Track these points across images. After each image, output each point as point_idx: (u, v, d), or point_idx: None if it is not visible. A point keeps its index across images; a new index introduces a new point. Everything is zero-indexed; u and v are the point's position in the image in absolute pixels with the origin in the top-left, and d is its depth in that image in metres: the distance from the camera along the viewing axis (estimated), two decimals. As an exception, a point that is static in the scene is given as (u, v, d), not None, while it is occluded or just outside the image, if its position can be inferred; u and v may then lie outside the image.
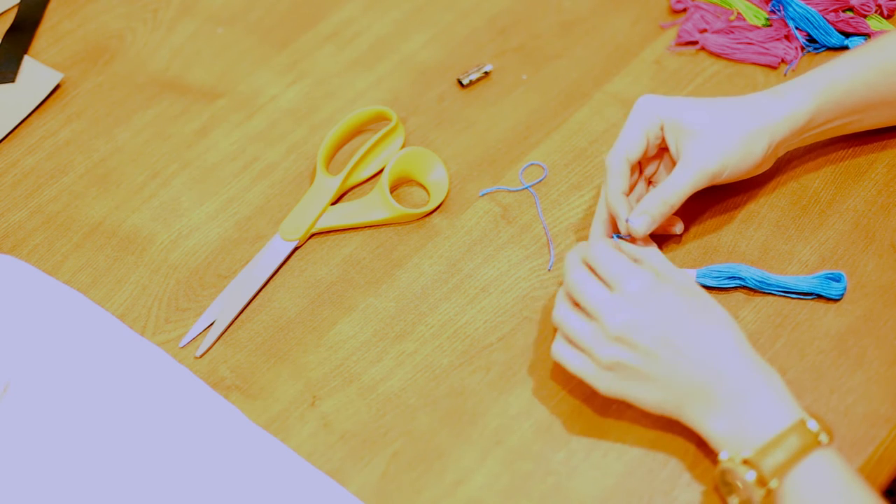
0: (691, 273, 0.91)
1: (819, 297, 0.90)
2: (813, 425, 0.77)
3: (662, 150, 0.94)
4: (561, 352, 0.85)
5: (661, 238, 0.94)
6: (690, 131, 0.89)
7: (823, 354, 0.87)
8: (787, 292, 0.90)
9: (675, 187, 0.89)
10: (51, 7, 1.18)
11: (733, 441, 0.79)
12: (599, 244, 0.86)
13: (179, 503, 0.84)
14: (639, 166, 0.93)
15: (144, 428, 0.88)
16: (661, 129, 0.91)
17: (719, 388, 0.79)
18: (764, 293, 0.90)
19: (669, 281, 0.84)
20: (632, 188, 0.93)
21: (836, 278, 0.90)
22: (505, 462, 0.85)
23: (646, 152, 0.91)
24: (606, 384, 0.83)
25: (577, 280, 0.85)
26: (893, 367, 0.86)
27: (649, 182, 0.95)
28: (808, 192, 0.96)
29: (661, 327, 0.81)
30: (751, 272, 0.90)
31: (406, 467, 0.85)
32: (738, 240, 0.94)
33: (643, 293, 0.82)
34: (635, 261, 0.86)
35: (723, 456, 0.78)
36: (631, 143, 0.90)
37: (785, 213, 0.95)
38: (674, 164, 0.91)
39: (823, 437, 0.77)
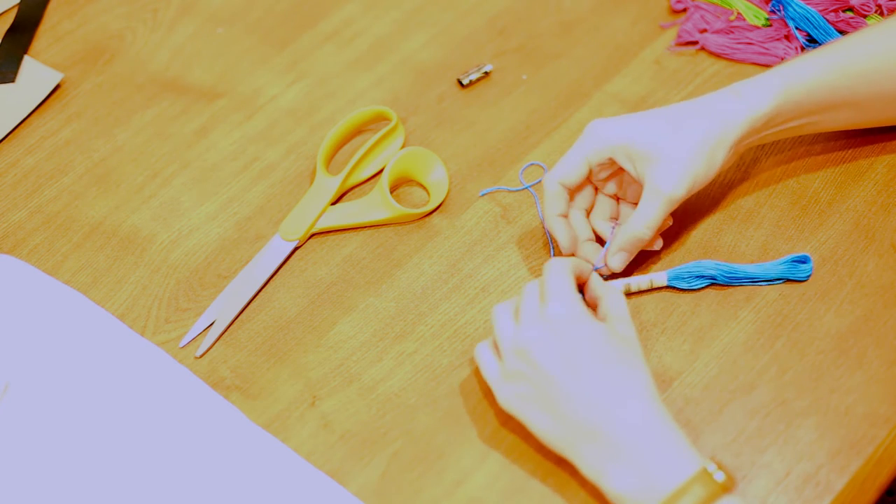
0: (662, 276, 0.90)
1: (788, 280, 0.90)
2: (716, 474, 0.75)
3: (619, 170, 0.91)
4: (480, 351, 0.85)
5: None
6: (647, 155, 0.86)
7: (823, 354, 0.87)
8: (757, 281, 0.90)
9: (647, 220, 0.87)
10: (51, 7, 1.18)
11: (637, 495, 0.76)
12: (556, 260, 0.85)
13: (180, 503, 0.84)
14: (594, 186, 0.92)
15: (144, 428, 0.88)
16: (611, 157, 0.88)
17: (619, 434, 0.77)
18: (735, 287, 0.91)
19: (609, 324, 0.83)
20: (591, 207, 0.92)
21: (803, 260, 0.90)
22: (505, 462, 0.85)
23: (588, 178, 0.90)
24: (505, 396, 0.82)
25: (525, 287, 0.84)
26: (893, 367, 0.86)
27: (618, 199, 0.93)
28: (808, 192, 0.96)
29: (566, 354, 0.80)
30: (719, 268, 0.90)
31: (406, 467, 0.85)
32: (738, 240, 0.94)
33: (563, 318, 0.81)
34: (596, 298, 0.86)
35: None
36: (568, 170, 0.89)
37: (785, 213, 0.95)
38: (635, 182, 0.90)
39: (720, 477, 0.75)
